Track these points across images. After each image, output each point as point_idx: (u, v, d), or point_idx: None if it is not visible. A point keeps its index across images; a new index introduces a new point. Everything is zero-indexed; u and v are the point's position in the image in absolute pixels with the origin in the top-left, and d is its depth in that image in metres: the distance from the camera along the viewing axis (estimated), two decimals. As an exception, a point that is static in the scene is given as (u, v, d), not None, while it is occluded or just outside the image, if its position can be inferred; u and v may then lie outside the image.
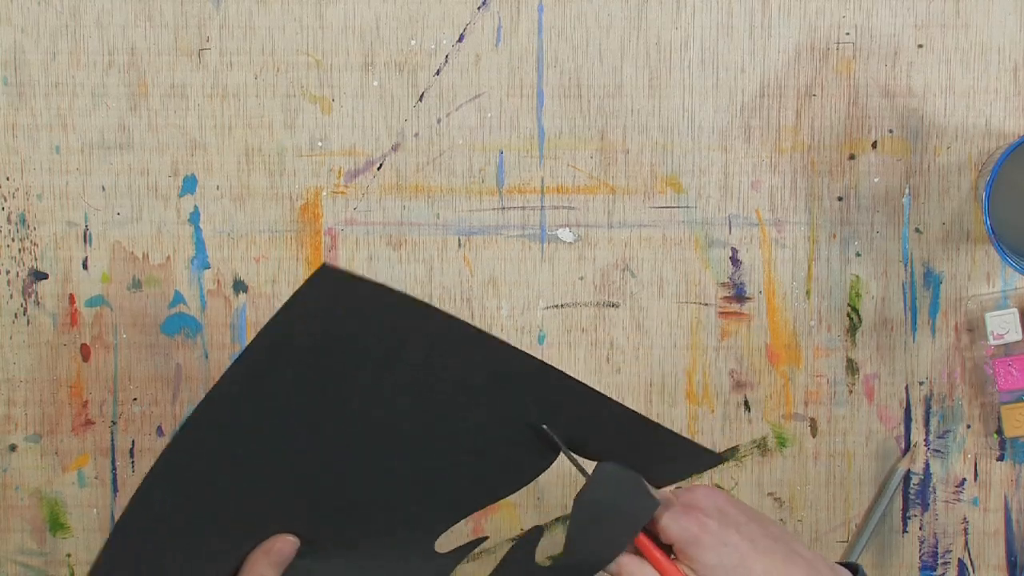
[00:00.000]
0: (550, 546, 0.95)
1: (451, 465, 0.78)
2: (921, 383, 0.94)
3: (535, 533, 0.82)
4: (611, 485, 0.77)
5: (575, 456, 0.78)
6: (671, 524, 0.77)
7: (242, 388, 0.71)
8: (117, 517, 0.72)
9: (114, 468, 0.95)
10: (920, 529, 0.94)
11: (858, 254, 0.94)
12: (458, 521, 0.81)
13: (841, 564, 0.80)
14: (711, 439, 0.94)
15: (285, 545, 0.76)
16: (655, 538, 0.78)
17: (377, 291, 0.70)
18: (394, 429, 0.76)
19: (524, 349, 0.75)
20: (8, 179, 0.95)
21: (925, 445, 0.94)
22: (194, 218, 0.95)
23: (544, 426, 0.77)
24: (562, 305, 0.94)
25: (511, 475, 0.80)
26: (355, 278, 0.69)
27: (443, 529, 0.81)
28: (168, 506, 0.72)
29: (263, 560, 0.75)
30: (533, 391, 0.77)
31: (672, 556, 0.78)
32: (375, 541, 0.79)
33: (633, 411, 0.78)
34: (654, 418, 0.94)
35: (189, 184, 0.94)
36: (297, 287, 0.68)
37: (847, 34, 0.93)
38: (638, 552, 0.78)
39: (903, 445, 0.94)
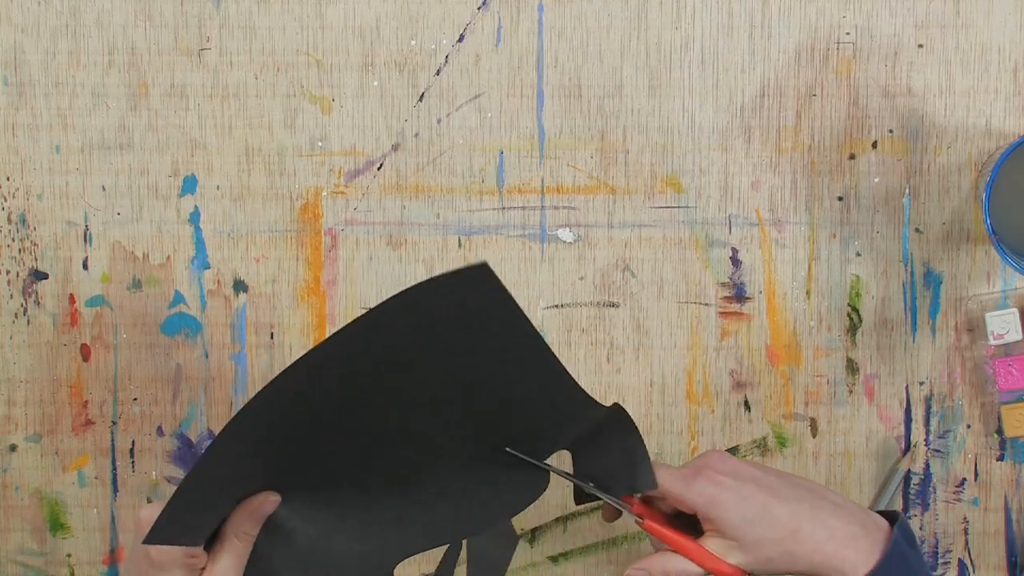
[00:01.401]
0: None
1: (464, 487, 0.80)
2: (921, 383, 0.94)
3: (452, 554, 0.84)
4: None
5: (548, 465, 0.80)
6: (686, 491, 0.76)
7: (346, 354, 0.71)
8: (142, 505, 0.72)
9: (114, 468, 0.95)
10: (920, 529, 0.94)
11: (858, 254, 0.94)
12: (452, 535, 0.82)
13: (882, 513, 0.78)
14: (711, 439, 0.94)
15: (269, 505, 0.76)
16: (672, 521, 0.78)
17: (512, 311, 0.71)
18: (432, 418, 0.77)
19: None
20: (8, 179, 0.95)
21: (925, 445, 0.94)
22: (194, 218, 0.95)
23: (508, 449, 0.78)
24: (562, 305, 0.94)
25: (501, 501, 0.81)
26: (505, 290, 0.69)
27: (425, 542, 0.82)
28: (224, 464, 0.73)
29: (248, 520, 0.75)
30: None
31: (695, 534, 0.77)
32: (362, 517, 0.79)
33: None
34: (654, 418, 0.95)
35: (189, 184, 0.94)
36: (450, 271, 0.68)
37: (847, 34, 0.93)
38: (661, 547, 0.78)
39: (903, 445, 0.94)
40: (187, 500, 0.72)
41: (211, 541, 0.76)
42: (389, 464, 0.78)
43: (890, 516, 0.78)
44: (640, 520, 0.79)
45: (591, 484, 0.79)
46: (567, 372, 0.76)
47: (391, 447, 0.78)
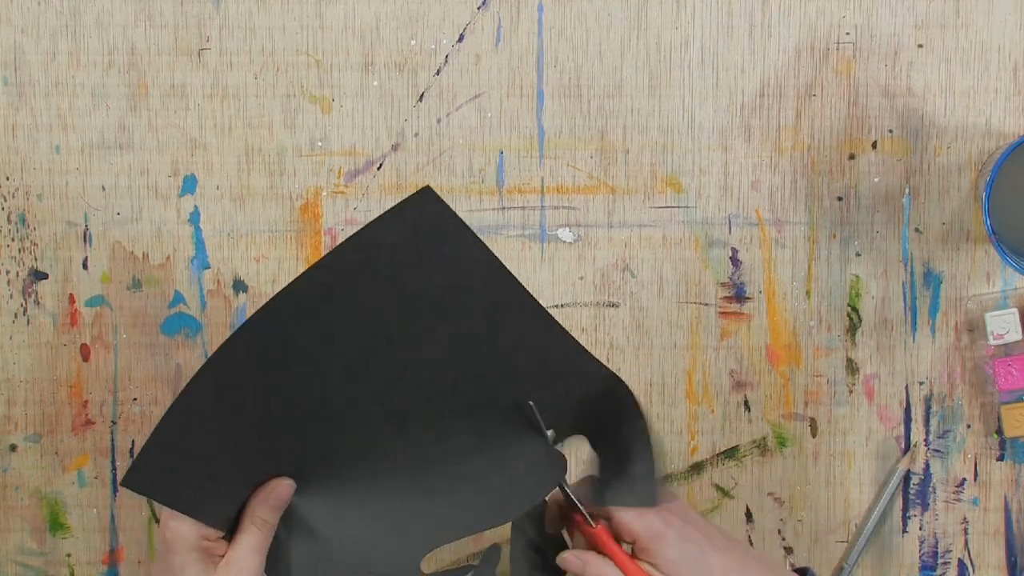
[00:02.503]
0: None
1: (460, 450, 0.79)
2: (921, 383, 0.94)
3: (494, 553, 0.83)
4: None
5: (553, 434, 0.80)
6: (635, 519, 0.78)
7: (309, 298, 0.71)
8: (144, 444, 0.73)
9: (114, 468, 0.95)
10: (920, 529, 0.94)
11: (858, 254, 0.94)
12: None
13: (795, 570, 0.83)
14: (711, 439, 0.94)
15: (284, 489, 0.77)
16: (616, 537, 0.79)
17: (464, 231, 0.71)
18: (431, 384, 0.77)
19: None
20: (8, 179, 0.95)
21: (925, 445, 0.94)
22: (194, 218, 0.95)
23: (531, 403, 0.78)
24: (562, 305, 0.94)
25: (518, 490, 0.81)
26: (450, 210, 0.70)
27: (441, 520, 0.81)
28: (203, 416, 0.73)
29: (263, 506, 0.76)
30: (575, 383, 0.79)
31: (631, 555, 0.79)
32: (370, 485, 0.79)
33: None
34: (653, 418, 0.95)
35: (189, 184, 0.94)
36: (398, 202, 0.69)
37: (847, 34, 0.93)
38: (600, 551, 0.79)
39: (903, 445, 0.94)
40: (163, 444, 0.72)
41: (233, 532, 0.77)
42: (400, 448, 0.78)
43: (802, 570, 0.83)
44: (592, 524, 0.79)
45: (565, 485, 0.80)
46: (539, 304, 0.76)
47: (396, 427, 0.77)
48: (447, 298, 0.74)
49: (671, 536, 0.78)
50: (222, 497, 0.76)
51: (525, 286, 0.75)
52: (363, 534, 0.78)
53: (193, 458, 0.74)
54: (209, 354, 0.95)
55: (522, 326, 0.76)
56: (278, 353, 0.73)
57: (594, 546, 0.80)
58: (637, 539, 0.78)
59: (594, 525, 0.80)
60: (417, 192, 0.70)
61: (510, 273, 0.74)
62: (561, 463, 0.80)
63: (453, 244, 0.72)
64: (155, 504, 0.96)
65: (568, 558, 0.79)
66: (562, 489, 0.81)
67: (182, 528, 0.74)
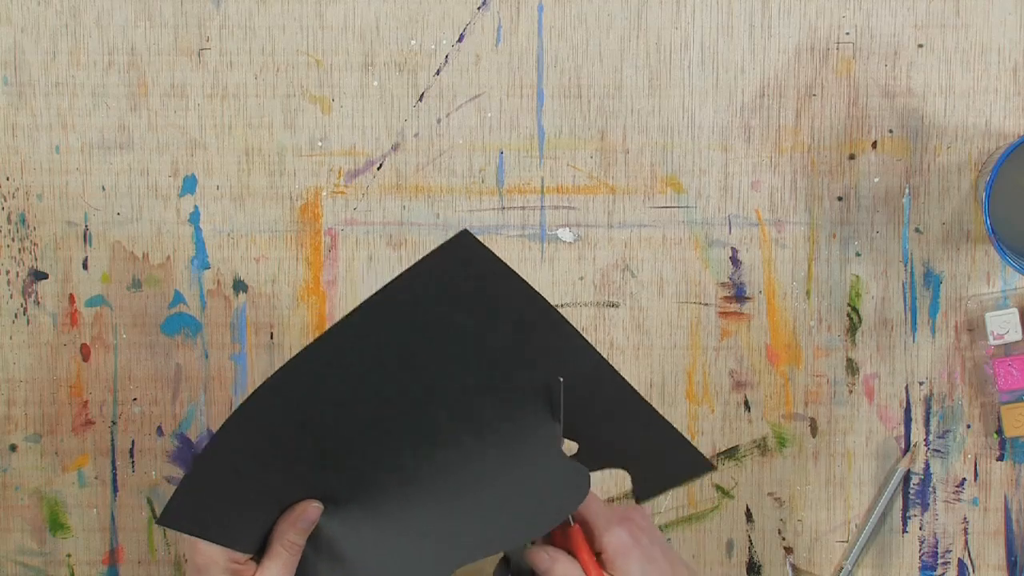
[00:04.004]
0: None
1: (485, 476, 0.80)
2: (921, 383, 0.94)
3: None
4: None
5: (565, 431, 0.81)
6: (606, 531, 0.79)
7: (350, 340, 0.73)
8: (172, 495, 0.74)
9: (114, 468, 0.95)
10: (920, 529, 0.94)
11: (858, 254, 0.94)
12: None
13: None
14: (711, 439, 0.94)
15: (312, 512, 0.78)
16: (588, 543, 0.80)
17: (503, 271, 0.73)
18: (457, 405, 0.78)
19: None
20: (8, 179, 0.95)
21: (925, 445, 0.94)
22: (194, 218, 0.95)
23: (560, 378, 0.79)
24: (562, 305, 0.94)
25: (544, 507, 0.81)
26: (488, 251, 0.73)
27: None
28: (238, 452, 0.74)
29: (291, 529, 0.77)
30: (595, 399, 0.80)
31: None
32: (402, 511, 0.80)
33: (647, 404, 0.81)
34: (654, 418, 0.95)
35: (189, 184, 0.94)
36: (433, 248, 0.71)
37: (847, 34, 0.93)
38: (571, 552, 0.79)
39: (903, 445, 0.94)
40: (198, 483, 0.73)
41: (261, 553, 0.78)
42: (426, 474, 0.79)
43: None
44: (572, 523, 0.80)
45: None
46: (572, 326, 0.78)
47: (423, 450, 0.78)
48: (480, 326, 0.76)
49: (636, 555, 0.78)
50: (251, 521, 0.77)
51: (557, 310, 0.77)
52: (389, 556, 0.79)
53: (226, 492, 0.75)
54: (209, 354, 0.95)
55: (549, 340, 0.78)
56: (315, 390, 0.74)
57: (566, 546, 0.80)
58: (604, 551, 0.79)
59: (572, 524, 0.80)
60: (455, 236, 0.71)
61: (542, 297, 0.76)
62: (585, 480, 0.80)
63: (491, 282, 0.74)
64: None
65: (538, 553, 0.79)
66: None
67: (213, 553, 0.76)
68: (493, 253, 0.73)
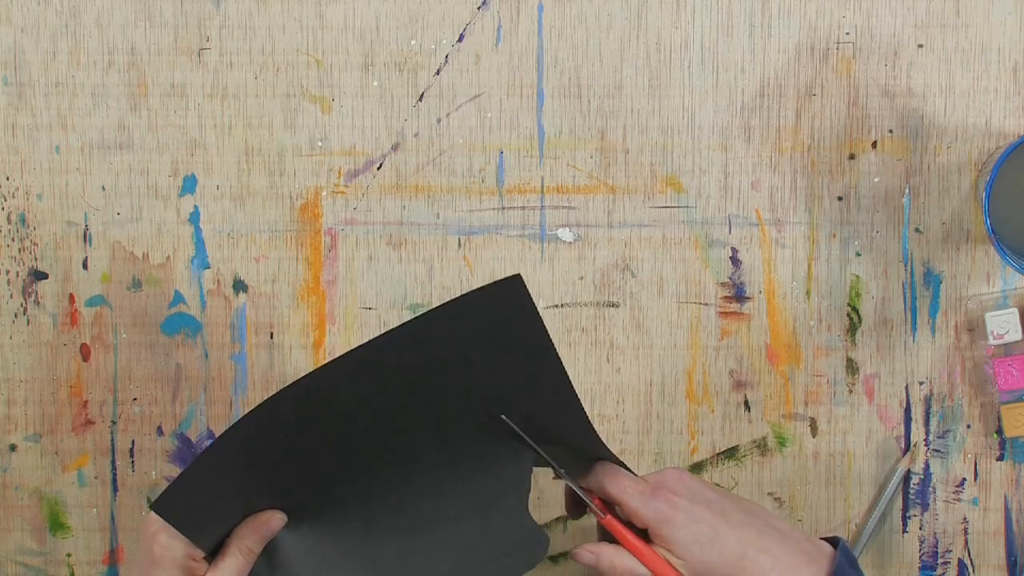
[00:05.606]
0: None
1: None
2: (921, 383, 0.94)
3: None
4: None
5: (536, 447, 0.80)
6: (642, 506, 0.78)
7: (374, 361, 0.74)
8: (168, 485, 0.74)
9: (114, 468, 0.95)
10: (920, 529, 0.94)
11: (858, 254, 0.94)
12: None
13: (824, 539, 0.81)
14: (711, 439, 0.94)
15: (276, 522, 0.78)
16: (629, 524, 0.79)
17: (537, 322, 0.74)
18: (440, 439, 0.79)
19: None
20: (8, 179, 0.95)
21: (925, 445, 0.94)
22: (194, 218, 0.95)
23: (503, 416, 0.78)
24: (562, 305, 0.94)
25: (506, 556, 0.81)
26: (532, 300, 0.74)
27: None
28: (233, 457, 0.74)
29: (253, 535, 0.77)
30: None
31: (648, 541, 0.78)
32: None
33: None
34: (654, 418, 0.95)
35: (189, 184, 0.94)
36: (481, 287, 0.73)
37: (847, 34, 0.93)
38: (613, 540, 0.79)
39: (903, 445, 0.94)
40: (196, 481, 0.73)
41: (215, 553, 0.77)
42: (394, 504, 0.79)
43: (833, 540, 0.81)
44: (602, 515, 0.80)
45: (563, 471, 0.81)
46: (583, 409, 0.78)
47: (398, 484, 0.79)
48: (492, 365, 0.76)
49: (680, 519, 0.77)
50: (214, 520, 0.77)
51: (568, 374, 0.77)
52: None
53: (207, 490, 0.75)
54: (209, 354, 0.95)
55: (547, 399, 0.78)
56: (327, 403, 0.74)
57: (608, 537, 0.80)
58: (647, 526, 0.78)
59: (603, 516, 0.79)
60: (508, 277, 0.73)
61: (559, 360, 0.76)
62: (543, 547, 0.80)
63: (522, 329, 0.75)
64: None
65: (580, 553, 0.79)
66: (567, 485, 0.81)
67: (174, 545, 0.75)
68: (534, 303, 0.74)
